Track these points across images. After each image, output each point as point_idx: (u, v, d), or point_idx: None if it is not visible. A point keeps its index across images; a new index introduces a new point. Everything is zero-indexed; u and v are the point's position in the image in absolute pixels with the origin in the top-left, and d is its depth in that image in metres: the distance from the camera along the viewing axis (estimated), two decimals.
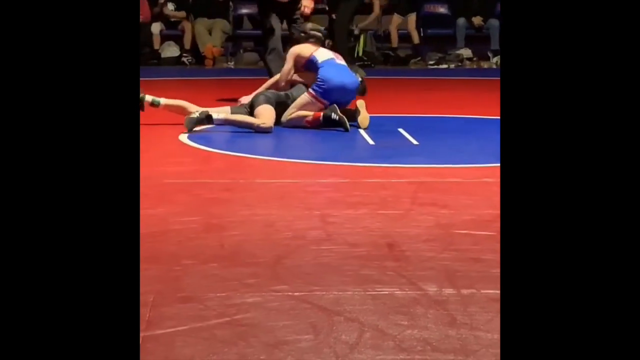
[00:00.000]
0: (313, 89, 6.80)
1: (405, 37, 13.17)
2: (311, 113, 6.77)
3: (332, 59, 6.97)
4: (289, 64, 7.05)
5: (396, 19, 13.10)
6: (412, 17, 13.08)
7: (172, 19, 13.03)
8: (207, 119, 6.63)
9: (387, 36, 13.31)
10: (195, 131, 6.60)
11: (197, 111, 6.66)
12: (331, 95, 6.76)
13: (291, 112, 6.82)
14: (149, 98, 6.85)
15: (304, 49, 7.04)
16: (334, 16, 9.83)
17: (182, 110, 6.82)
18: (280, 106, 6.87)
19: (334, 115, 6.64)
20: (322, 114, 6.70)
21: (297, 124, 6.79)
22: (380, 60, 12.93)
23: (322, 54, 6.99)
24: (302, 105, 6.81)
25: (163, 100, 6.88)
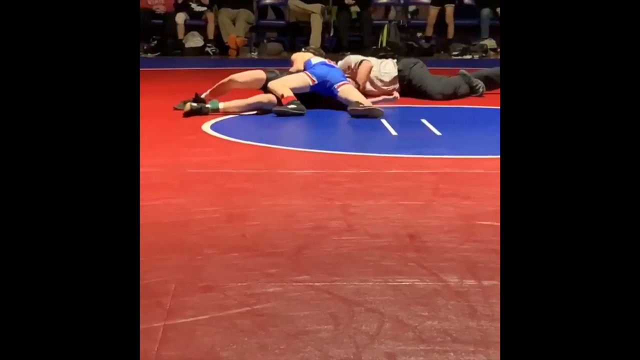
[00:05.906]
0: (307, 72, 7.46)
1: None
2: (291, 93, 7.14)
3: (323, 61, 7.65)
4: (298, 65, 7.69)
5: (433, 10, 13.06)
6: (450, 8, 13.04)
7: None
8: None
9: (411, 27, 13.28)
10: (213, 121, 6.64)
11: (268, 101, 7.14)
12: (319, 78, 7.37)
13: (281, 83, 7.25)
14: (214, 105, 7.05)
15: (304, 55, 7.82)
16: None
17: (243, 108, 7.16)
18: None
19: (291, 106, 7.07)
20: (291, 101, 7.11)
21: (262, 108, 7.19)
22: (404, 51, 12.89)
23: (316, 59, 7.67)
24: (294, 79, 7.32)
25: (222, 105, 7.10)
